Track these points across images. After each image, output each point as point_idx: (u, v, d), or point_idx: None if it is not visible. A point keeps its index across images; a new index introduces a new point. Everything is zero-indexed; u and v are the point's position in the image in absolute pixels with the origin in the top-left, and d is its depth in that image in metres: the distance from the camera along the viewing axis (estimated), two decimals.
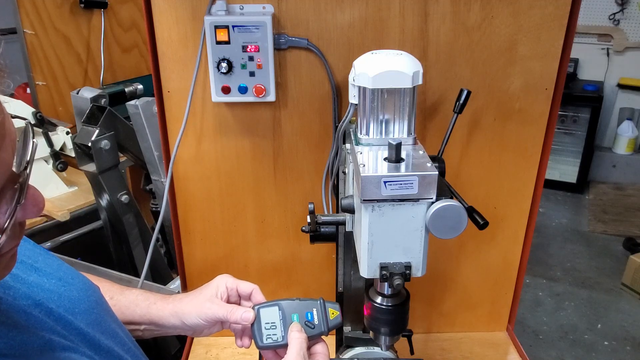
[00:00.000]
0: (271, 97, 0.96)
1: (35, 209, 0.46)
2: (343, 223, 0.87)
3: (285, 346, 0.74)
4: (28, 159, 0.46)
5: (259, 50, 0.92)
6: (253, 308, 0.78)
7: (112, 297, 0.80)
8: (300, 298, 0.78)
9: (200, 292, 0.83)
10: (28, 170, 0.45)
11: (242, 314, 0.77)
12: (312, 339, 0.76)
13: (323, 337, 0.77)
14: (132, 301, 0.82)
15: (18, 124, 0.47)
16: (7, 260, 0.48)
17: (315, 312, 0.77)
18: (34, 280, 0.59)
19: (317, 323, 0.76)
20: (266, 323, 0.77)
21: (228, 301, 0.82)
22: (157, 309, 0.81)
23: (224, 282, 0.83)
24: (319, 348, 0.76)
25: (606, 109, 4.08)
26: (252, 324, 0.77)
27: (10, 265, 0.49)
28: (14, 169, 0.43)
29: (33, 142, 0.47)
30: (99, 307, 0.66)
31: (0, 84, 0.43)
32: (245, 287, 0.83)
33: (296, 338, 0.72)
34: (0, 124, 0.41)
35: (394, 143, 0.65)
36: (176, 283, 1.45)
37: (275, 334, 0.76)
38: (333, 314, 0.78)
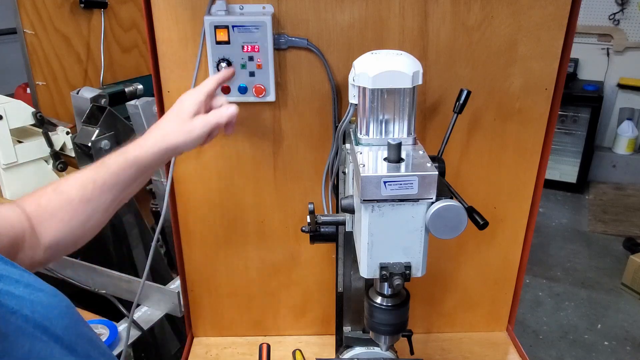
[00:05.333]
0: (271, 97, 0.96)
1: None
2: (343, 223, 0.87)
3: None
4: None
5: (258, 50, 0.92)
6: None
7: (94, 181, 0.75)
8: None
9: (178, 114, 0.81)
10: None
11: (229, 112, 0.81)
12: None
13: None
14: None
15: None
16: None
17: None
18: (2, 288, 0.55)
19: None
20: None
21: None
22: (137, 151, 0.78)
23: (196, 98, 0.82)
24: None
25: (606, 109, 4.08)
26: None
27: None
28: None
29: None
30: (70, 311, 0.64)
31: None
32: (211, 85, 0.84)
33: None
34: None
35: (394, 143, 0.65)
36: (176, 283, 1.45)
37: None
38: None
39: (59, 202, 0.73)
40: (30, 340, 0.53)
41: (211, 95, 0.84)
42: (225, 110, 0.82)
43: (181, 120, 0.80)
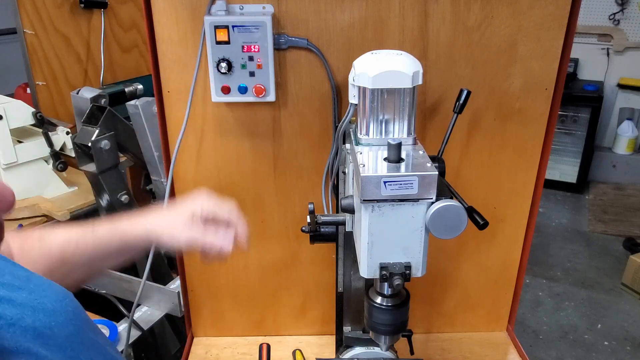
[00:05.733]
0: (271, 97, 0.96)
1: (3, 204, 0.39)
2: (343, 223, 0.87)
3: None
4: None
5: (258, 50, 0.92)
6: None
7: (77, 242, 0.75)
8: None
9: (176, 213, 0.79)
10: None
11: (221, 249, 0.76)
12: None
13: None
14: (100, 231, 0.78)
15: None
16: None
17: None
18: (3, 296, 0.56)
19: None
20: None
21: (205, 222, 0.80)
22: (126, 225, 0.78)
23: (199, 205, 0.80)
24: None
25: (606, 109, 4.08)
26: None
27: None
28: None
29: None
30: (77, 317, 0.63)
31: None
32: (224, 213, 0.81)
33: None
34: None
35: (394, 143, 0.65)
36: (176, 283, 1.45)
37: None
38: None
39: (39, 251, 0.73)
40: (26, 357, 0.52)
41: (221, 220, 0.81)
42: (218, 245, 0.78)
43: (175, 221, 0.79)
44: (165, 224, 0.79)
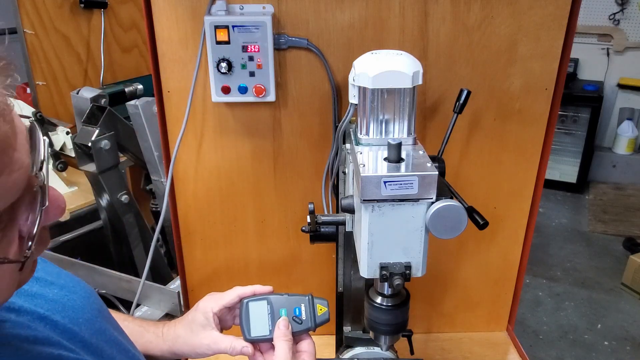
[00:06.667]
0: (271, 97, 0.96)
1: (58, 210, 0.43)
2: (343, 223, 0.87)
3: (271, 340, 0.75)
4: (42, 158, 0.43)
5: (259, 50, 0.92)
6: (242, 301, 0.80)
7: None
8: (290, 293, 0.80)
9: (192, 329, 0.81)
10: (44, 171, 0.42)
11: (242, 349, 0.78)
12: (299, 334, 0.77)
13: (311, 332, 0.79)
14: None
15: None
16: (31, 266, 0.47)
17: (303, 308, 0.78)
18: (37, 291, 0.57)
19: (304, 319, 0.78)
20: (254, 317, 0.78)
21: (221, 323, 0.82)
22: (153, 348, 0.81)
23: (209, 310, 0.81)
24: (305, 346, 0.76)
25: (606, 109, 4.08)
26: (241, 317, 0.78)
27: (33, 270, 0.48)
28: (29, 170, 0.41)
29: (44, 139, 0.44)
30: (101, 315, 0.65)
31: (8, 78, 0.40)
32: (230, 298, 0.82)
33: (281, 345, 0.73)
34: (9, 120, 0.38)
35: (394, 143, 0.65)
36: (176, 283, 1.45)
37: (263, 328, 0.77)
38: (321, 310, 0.79)
39: None
40: (57, 348, 0.53)
41: (230, 307, 0.83)
42: (237, 352, 0.79)
43: (192, 330, 0.81)
44: (185, 337, 0.81)
